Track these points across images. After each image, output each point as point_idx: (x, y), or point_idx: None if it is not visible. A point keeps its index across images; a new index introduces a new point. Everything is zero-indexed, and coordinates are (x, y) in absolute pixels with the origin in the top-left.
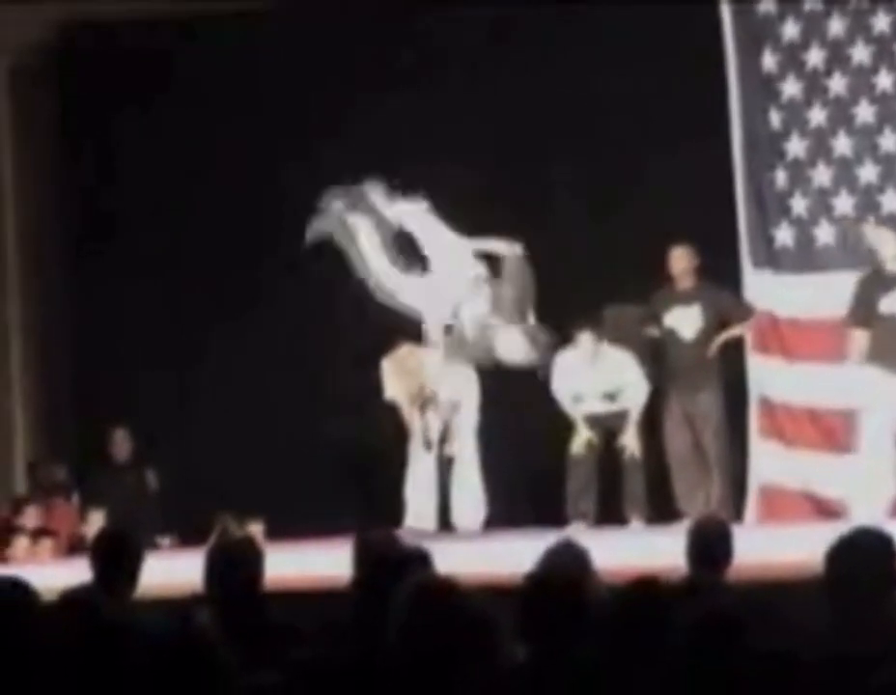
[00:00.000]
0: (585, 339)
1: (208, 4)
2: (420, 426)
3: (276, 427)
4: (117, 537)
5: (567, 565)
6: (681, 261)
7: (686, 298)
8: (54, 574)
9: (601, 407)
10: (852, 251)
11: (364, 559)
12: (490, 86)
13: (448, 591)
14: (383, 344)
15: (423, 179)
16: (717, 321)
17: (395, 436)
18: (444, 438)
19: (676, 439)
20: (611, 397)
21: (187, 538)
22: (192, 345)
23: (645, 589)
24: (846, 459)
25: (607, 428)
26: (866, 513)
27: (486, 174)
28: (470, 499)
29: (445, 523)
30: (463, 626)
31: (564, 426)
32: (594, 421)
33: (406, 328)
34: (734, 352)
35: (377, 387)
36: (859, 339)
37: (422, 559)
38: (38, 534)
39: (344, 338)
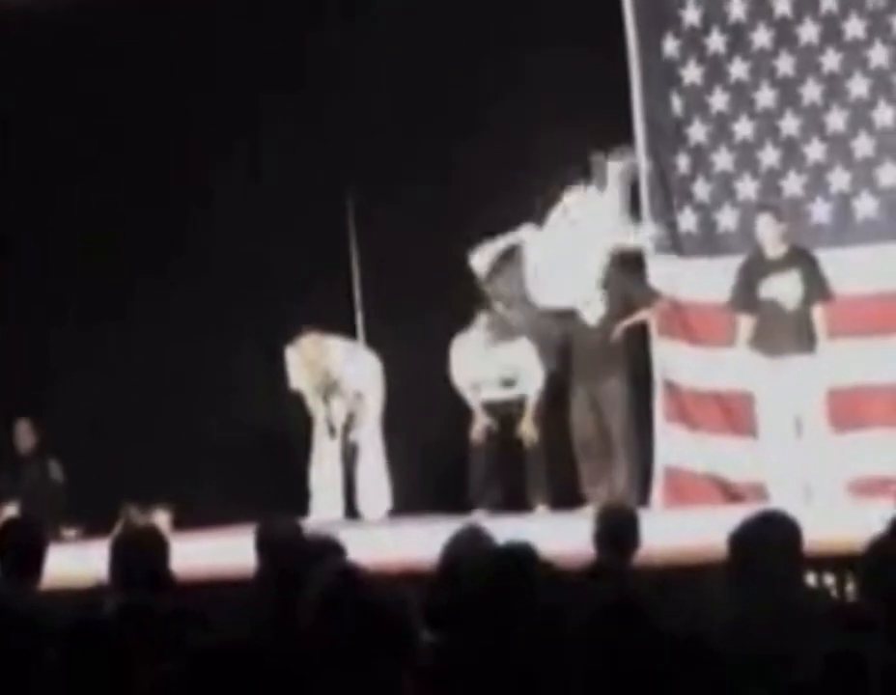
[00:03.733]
0: (485, 321)
1: None
2: (324, 414)
3: (182, 416)
4: (20, 528)
5: (473, 551)
6: None
7: None
8: None
9: (498, 394)
10: (753, 235)
11: (267, 548)
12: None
13: (361, 579)
14: (290, 333)
15: None
16: (623, 307)
17: (301, 425)
18: (349, 427)
19: (581, 424)
20: (508, 383)
21: (94, 528)
22: (95, 335)
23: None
24: (750, 443)
25: (505, 415)
26: (780, 497)
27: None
28: (375, 487)
29: (351, 511)
30: (378, 614)
31: (467, 413)
32: (491, 408)
33: (314, 317)
34: (639, 337)
35: (282, 376)
36: (745, 324)
37: (334, 548)
38: None
39: (250, 325)
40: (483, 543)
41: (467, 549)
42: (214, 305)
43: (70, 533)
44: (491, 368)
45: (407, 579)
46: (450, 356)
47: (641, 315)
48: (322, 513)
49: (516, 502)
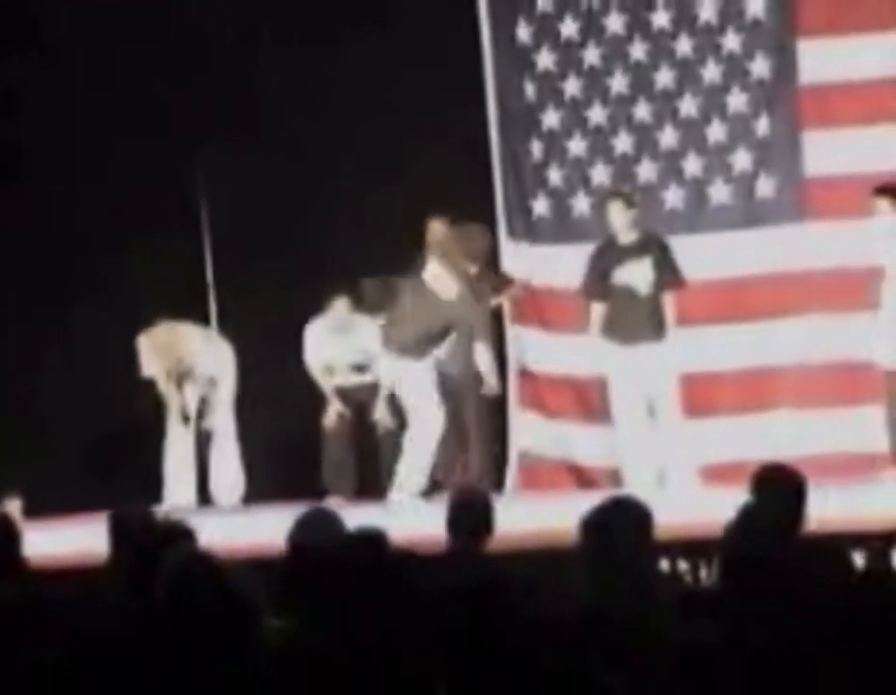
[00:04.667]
0: (340, 306)
1: None
2: (177, 401)
3: (34, 403)
4: None
5: (321, 535)
6: (439, 233)
7: None
8: None
9: (350, 380)
10: (607, 222)
11: (120, 535)
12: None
13: (208, 564)
14: (143, 319)
15: None
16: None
17: (154, 412)
18: (202, 413)
19: None
20: (360, 369)
21: None
22: None
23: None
24: (604, 429)
25: (359, 401)
26: (633, 483)
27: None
28: (228, 473)
29: (204, 497)
30: (223, 599)
31: (321, 398)
32: (344, 394)
33: (167, 304)
34: (493, 323)
35: (135, 363)
36: (596, 312)
37: (184, 534)
38: None
39: (103, 312)
40: (331, 527)
41: (315, 533)
42: (66, 291)
43: None
44: (343, 353)
45: (259, 565)
46: (303, 341)
47: (495, 300)
48: (176, 499)
49: (370, 489)
